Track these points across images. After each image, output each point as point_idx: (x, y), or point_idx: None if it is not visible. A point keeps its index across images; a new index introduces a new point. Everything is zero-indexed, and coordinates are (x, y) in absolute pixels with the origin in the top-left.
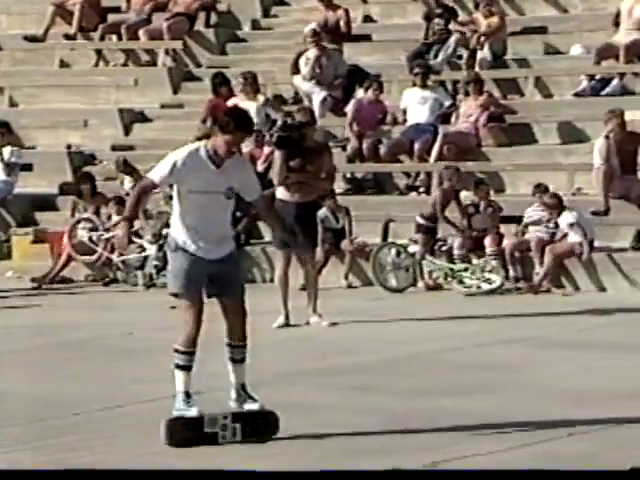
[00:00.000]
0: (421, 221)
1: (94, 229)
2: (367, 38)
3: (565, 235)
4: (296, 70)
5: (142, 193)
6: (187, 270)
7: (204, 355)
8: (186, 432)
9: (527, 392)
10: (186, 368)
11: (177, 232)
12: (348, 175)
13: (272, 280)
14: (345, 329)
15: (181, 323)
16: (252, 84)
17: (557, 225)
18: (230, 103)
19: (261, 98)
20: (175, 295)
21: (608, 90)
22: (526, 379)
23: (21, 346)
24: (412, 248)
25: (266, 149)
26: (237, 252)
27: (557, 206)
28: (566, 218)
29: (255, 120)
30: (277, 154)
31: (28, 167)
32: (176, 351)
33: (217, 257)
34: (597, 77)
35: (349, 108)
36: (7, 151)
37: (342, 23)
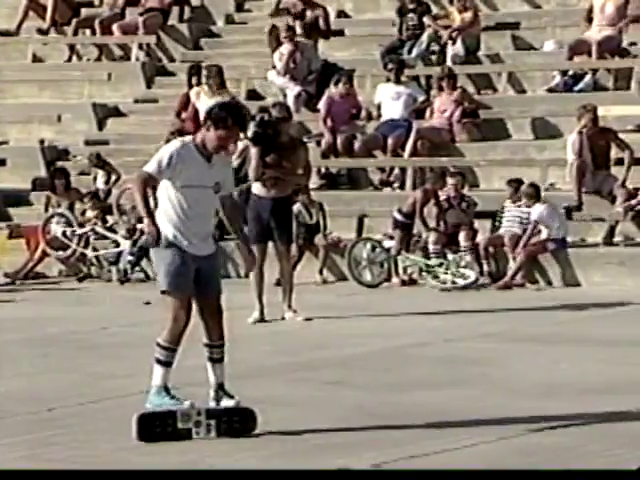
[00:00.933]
0: (398, 217)
1: (68, 224)
2: (341, 33)
3: (538, 230)
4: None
5: (144, 187)
6: (179, 267)
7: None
8: (158, 428)
9: (500, 386)
10: (167, 364)
11: (167, 228)
12: (322, 170)
13: (247, 275)
14: (320, 324)
15: (169, 319)
16: (215, 78)
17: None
18: (194, 93)
19: (226, 95)
20: (165, 292)
21: (581, 86)
22: (499, 373)
23: None
24: (387, 243)
25: (240, 144)
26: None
27: (534, 196)
28: (538, 209)
29: None
30: (253, 150)
31: (1, 162)
32: (159, 346)
33: (204, 254)
34: (570, 73)
35: (321, 104)
36: None
37: (321, 21)
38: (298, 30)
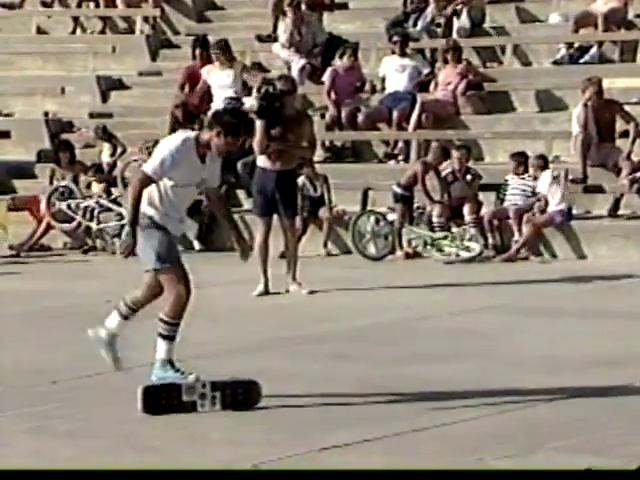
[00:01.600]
0: (398, 190)
1: (73, 197)
2: (345, 6)
3: (544, 202)
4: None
5: (141, 190)
6: (169, 244)
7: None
8: (163, 400)
9: (504, 359)
10: (171, 338)
11: (153, 211)
12: (327, 143)
13: (251, 248)
14: (324, 297)
15: (171, 295)
16: (225, 52)
17: (535, 192)
18: (205, 70)
19: (238, 65)
20: (159, 271)
21: (586, 58)
22: (503, 346)
23: None
24: (391, 216)
25: None
26: None
27: (542, 167)
28: (547, 176)
29: (232, 87)
30: (258, 123)
31: (5, 134)
32: (162, 321)
33: (178, 235)
34: (575, 45)
35: (326, 77)
36: None
37: None
38: (302, 3)
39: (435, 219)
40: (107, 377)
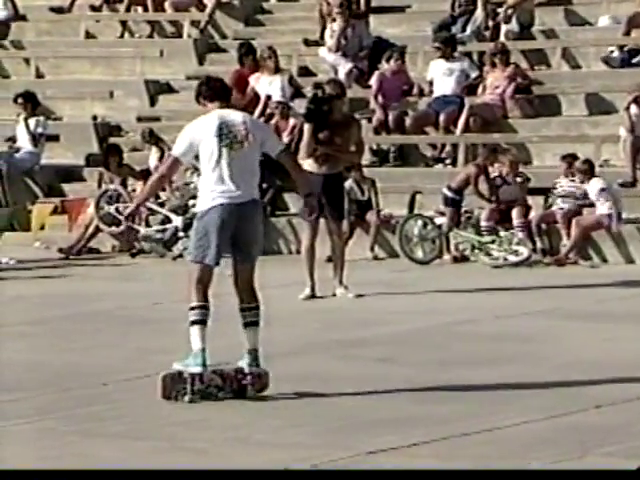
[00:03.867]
0: (448, 193)
1: (121, 200)
2: (393, 10)
3: (593, 206)
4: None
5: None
6: None
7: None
8: (183, 388)
9: (550, 364)
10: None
11: None
12: (373, 147)
13: (298, 251)
14: (371, 301)
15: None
16: (273, 59)
17: (586, 195)
18: (254, 77)
19: (285, 73)
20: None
21: (637, 60)
22: (550, 351)
23: (49, 316)
24: (438, 220)
25: (292, 121)
26: None
27: (588, 172)
28: (595, 185)
29: (279, 93)
30: (306, 127)
31: (54, 138)
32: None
33: None
34: (625, 48)
35: (373, 80)
36: (33, 122)
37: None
38: (349, 7)
39: (483, 223)
40: (155, 379)
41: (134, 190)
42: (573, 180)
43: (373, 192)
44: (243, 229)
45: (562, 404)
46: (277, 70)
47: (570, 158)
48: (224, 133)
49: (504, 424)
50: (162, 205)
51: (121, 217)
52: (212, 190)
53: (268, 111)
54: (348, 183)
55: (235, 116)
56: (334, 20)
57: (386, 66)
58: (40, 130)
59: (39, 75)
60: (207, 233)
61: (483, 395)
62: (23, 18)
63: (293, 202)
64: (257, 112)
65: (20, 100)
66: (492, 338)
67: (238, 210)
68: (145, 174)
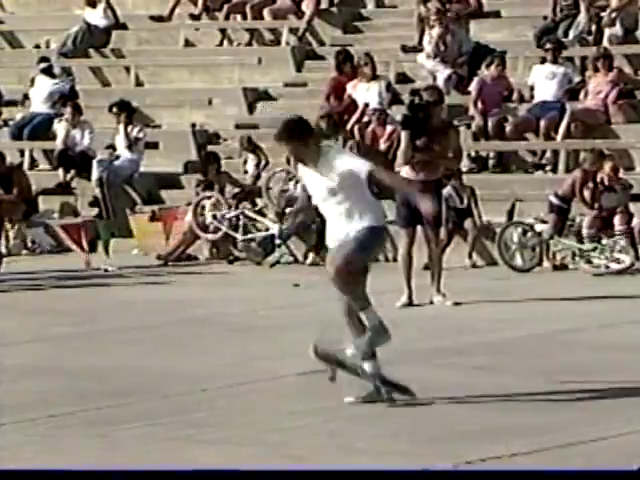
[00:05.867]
0: (555, 200)
1: (219, 208)
2: (493, 15)
3: None
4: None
5: None
6: None
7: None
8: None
9: None
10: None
11: None
12: (472, 153)
13: (395, 259)
14: (469, 309)
15: None
16: (370, 66)
17: None
18: (351, 85)
19: (383, 80)
20: None
21: None
22: None
23: (148, 322)
24: (538, 227)
25: (389, 128)
26: None
27: None
28: None
29: (377, 100)
30: (403, 134)
31: (154, 146)
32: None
33: None
34: None
35: (473, 86)
36: (131, 129)
37: (472, 2)
38: (448, 13)
39: (585, 230)
40: (257, 386)
41: (233, 197)
42: None
43: (473, 200)
44: None
45: None
46: (374, 77)
47: None
48: None
49: (609, 434)
50: (260, 213)
51: (219, 224)
52: None
53: (365, 118)
54: (446, 190)
55: None
56: (432, 26)
57: (486, 72)
58: (139, 136)
59: (139, 83)
60: None
61: (586, 405)
62: (123, 27)
63: (390, 210)
64: (354, 119)
65: (115, 109)
66: (594, 347)
67: None
68: (243, 191)
